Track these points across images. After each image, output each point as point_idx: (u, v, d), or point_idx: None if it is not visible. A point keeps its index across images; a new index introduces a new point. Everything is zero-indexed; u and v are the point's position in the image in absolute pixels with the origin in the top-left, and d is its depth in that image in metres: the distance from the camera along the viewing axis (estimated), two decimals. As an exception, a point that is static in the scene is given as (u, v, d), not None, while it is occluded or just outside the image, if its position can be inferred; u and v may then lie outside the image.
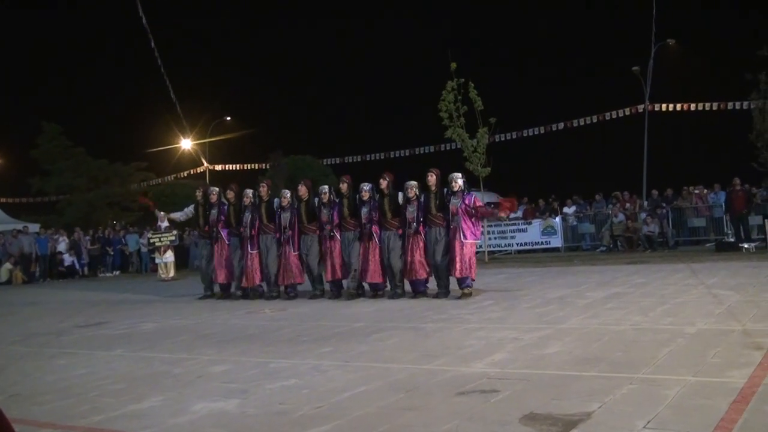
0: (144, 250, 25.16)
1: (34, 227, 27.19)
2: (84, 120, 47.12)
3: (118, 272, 25.46)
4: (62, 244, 24.93)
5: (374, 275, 10.39)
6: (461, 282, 9.84)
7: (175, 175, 38.82)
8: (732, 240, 17.10)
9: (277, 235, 11.33)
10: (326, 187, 11.29)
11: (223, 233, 11.99)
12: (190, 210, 12.70)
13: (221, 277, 12.02)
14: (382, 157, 33.84)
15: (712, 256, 14.83)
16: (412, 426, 3.62)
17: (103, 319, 9.98)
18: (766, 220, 16.65)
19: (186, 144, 38.95)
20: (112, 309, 11.60)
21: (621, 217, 20.05)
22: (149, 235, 21.08)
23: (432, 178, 10.14)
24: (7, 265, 22.95)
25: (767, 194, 18.42)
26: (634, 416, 3.47)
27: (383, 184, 10.48)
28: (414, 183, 10.28)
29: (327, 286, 11.14)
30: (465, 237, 9.80)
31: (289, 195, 11.38)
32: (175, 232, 20.17)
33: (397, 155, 33.32)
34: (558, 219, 21.67)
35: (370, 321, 7.78)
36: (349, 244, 10.67)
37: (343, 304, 9.97)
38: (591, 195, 22.83)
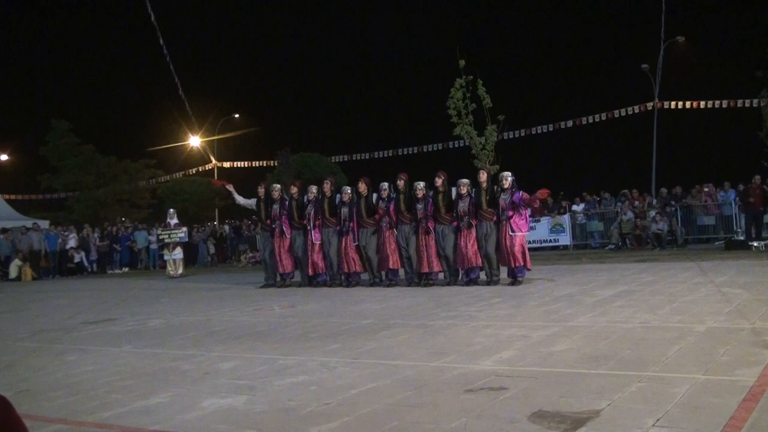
0: (153, 246, 25.27)
1: (43, 224, 27.33)
2: (93, 117, 47.34)
3: (126, 269, 25.56)
4: (71, 241, 25.03)
5: (430, 265, 11.40)
6: (515, 271, 10.82)
7: (183, 172, 38.91)
8: (741, 238, 17.02)
9: (338, 227, 12.30)
10: (385, 184, 12.08)
11: (285, 226, 12.84)
12: (252, 202, 13.72)
13: (285, 266, 13.04)
14: (390, 155, 33.86)
15: (721, 254, 14.78)
16: (421, 423, 3.61)
17: (111, 315, 10.02)
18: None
19: (194, 141, 39.04)
20: (120, 305, 11.64)
21: (630, 215, 19.99)
22: (159, 232, 21.17)
23: (483, 176, 11.26)
24: (17, 262, 23.06)
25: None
26: (643, 414, 3.46)
27: (438, 182, 11.43)
28: (466, 181, 11.36)
29: (383, 275, 12.12)
30: (513, 230, 10.81)
31: (349, 191, 12.43)
32: (184, 229, 20.26)
33: (405, 152, 33.33)
34: (566, 217, 21.64)
35: (378, 318, 7.78)
36: (406, 237, 11.64)
37: (351, 301, 9.98)
38: (599, 193, 22.77)
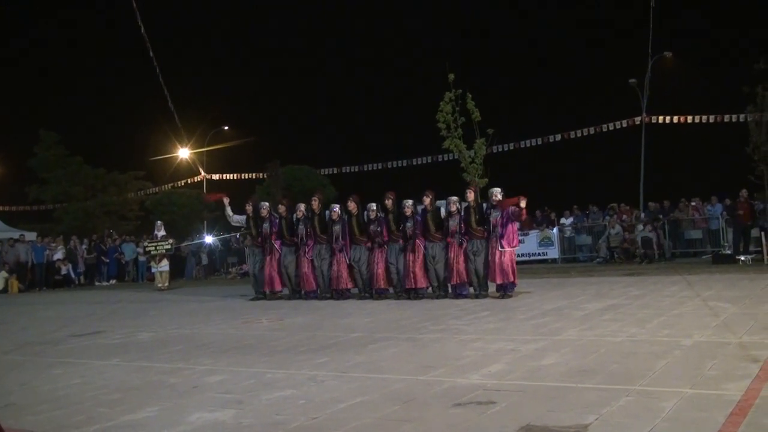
0: (141, 259, 25.15)
1: (31, 235, 27.14)
2: (82, 129, 47.07)
3: (114, 281, 25.41)
4: (59, 253, 24.88)
5: (418, 281, 11.45)
6: (504, 288, 10.88)
7: (172, 184, 38.75)
8: (728, 252, 17.11)
9: (332, 244, 12.31)
10: (374, 204, 12.16)
11: (276, 244, 12.92)
12: (241, 219, 13.70)
13: (275, 284, 13.02)
14: (380, 168, 33.86)
15: (708, 268, 14.84)
16: (409, 437, 3.61)
17: (99, 328, 9.95)
18: (762, 233, 16.66)
19: (183, 153, 38.92)
20: (108, 318, 11.57)
21: (618, 228, 20.07)
22: (145, 244, 21.07)
23: (471, 195, 11.35)
24: (3, 274, 22.88)
25: (763, 206, 18.43)
26: (631, 428, 3.47)
27: (426, 201, 11.50)
28: (455, 198, 11.38)
29: (372, 292, 12.10)
30: (502, 246, 10.81)
31: (338, 209, 12.49)
32: (171, 241, 20.14)
33: (394, 165, 33.35)
34: (555, 230, 21.70)
35: (366, 332, 7.77)
36: (396, 255, 11.72)
37: (339, 314, 9.96)
38: (588, 206, 22.86)
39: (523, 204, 10.84)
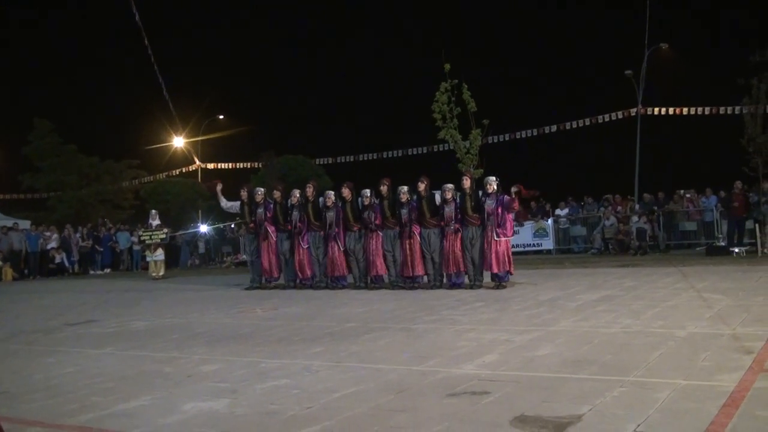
0: (136, 248, 25.12)
1: (24, 224, 27.07)
2: (76, 117, 46.92)
3: (108, 270, 25.37)
4: (53, 242, 24.81)
5: (414, 269, 11.47)
6: (500, 277, 10.89)
7: (166, 173, 38.68)
8: (722, 244, 17.14)
9: (322, 232, 12.39)
10: (367, 191, 12.08)
11: (271, 230, 12.91)
12: (235, 206, 13.67)
13: (271, 271, 13.08)
14: (375, 158, 33.84)
15: (702, 260, 14.88)
16: (403, 427, 3.61)
17: (92, 317, 9.94)
18: (756, 225, 16.69)
19: (178, 142, 38.83)
20: (101, 307, 11.55)
21: (613, 220, 20.09)
22: (140, 233, 21.05)
23: (467, 182, 11.27)
24: (-3, 262, 22.84)
25: (758, 198, 18.45)
26: (625, 419, 3.48)
27: (421, 187, 11.49)
28: (451, 186, 11.32)
29: (368, 280, 12.20)
30: (498, 235, 10.83)
31: (333, 195, 12.47)
32: (166, 230, 20.12)
33: (390, 155, 33.32)
34: (550, 221, 21.72)
35: (361, 321, 7.77)
36: (392, 241, 11.70)
37: (334, 304, 9.96)
38: (583, 198, 22.87)
39: (514, 191, 10.91)
